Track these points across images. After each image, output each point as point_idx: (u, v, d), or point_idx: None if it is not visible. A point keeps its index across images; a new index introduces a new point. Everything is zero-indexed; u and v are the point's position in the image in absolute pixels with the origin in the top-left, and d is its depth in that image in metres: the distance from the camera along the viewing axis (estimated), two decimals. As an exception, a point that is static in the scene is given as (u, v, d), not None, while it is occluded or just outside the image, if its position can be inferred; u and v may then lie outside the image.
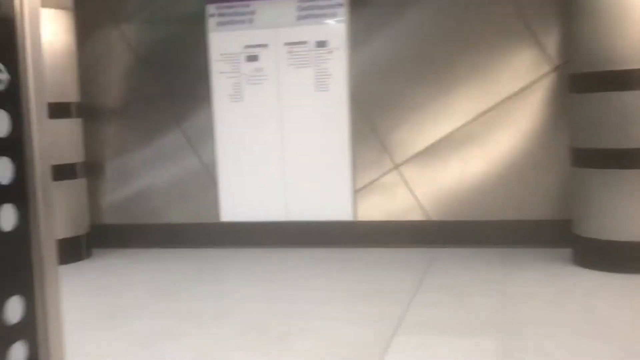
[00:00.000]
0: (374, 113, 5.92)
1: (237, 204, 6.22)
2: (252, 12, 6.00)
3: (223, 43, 6.08)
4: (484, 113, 5.70)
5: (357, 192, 6.02)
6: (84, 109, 6.22)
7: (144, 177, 6.48)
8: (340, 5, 5.83)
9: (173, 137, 6.36)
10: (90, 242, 6.21)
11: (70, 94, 5.93)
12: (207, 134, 6.26)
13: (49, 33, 5.70)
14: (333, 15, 5.85)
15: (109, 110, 6.50)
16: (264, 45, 6.00)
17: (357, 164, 5.98)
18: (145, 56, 6.37)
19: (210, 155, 6.28)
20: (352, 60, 5.89)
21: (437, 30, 5.75)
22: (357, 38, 5.88)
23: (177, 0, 6.23)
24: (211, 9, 6.08)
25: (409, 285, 4.70)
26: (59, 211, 5.84)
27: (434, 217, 5.89)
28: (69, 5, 5.91)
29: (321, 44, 5.89)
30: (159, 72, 6.35)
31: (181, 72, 6.28)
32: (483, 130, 5.72)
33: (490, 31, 5.64)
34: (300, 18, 5.92)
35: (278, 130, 6.05)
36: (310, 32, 5.89)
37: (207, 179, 6.33)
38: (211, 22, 6.10)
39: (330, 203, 5.99)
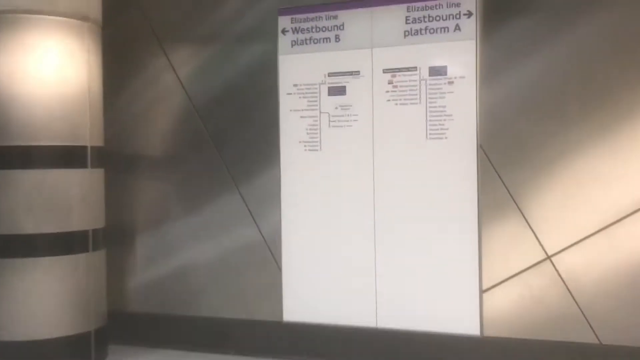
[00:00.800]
0: (515, 173, 4.03)
1: (306, 299, 4.49)
2: (340, 26, 4.29)
3: (297, 70, 4.42)
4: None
5: (486, 292, 4.07)
6: (109, 157, 4.70)
7: (184, 253, 4.86)
8: (468, 15, 4.03)
9: (227, 201, 4.72)
10: (106, 338, 4.58)
11: (88, 136, 4.36)
12: (272, 197, 4.58)
13: (59, 51, 4.17)
14: (456, 30, 4.06)
15: (146, 160, 4.96)
16: (355, 73, 4.29)
17: (486, 251, 4.07)
18: (197, 90, 4.80)
19: (274, 228, 4.58)
20: (483, 95, 4.07)
21: (612, 48, 3.82)
22: (492, 63, 4.05)
23: (240, 11, 4.64)
24: (284, 21, 4.42)
25: None
26: (62, 298, 4.23)
27: (608, 338, 3.85)
28: (94, 17, 4.39)
29: (438, 71, 4.11)
30: (213, 110, 4.76)
31: (244, 110, 4.67)
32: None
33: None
34: (408, 34, 4.15)
35: (370, 194, 4.28)
36: (422, 53, 4.15)
37: (268, 261, 4.60)
38: (283, 41, 4.43)
39: (444, 307, 4.13)
